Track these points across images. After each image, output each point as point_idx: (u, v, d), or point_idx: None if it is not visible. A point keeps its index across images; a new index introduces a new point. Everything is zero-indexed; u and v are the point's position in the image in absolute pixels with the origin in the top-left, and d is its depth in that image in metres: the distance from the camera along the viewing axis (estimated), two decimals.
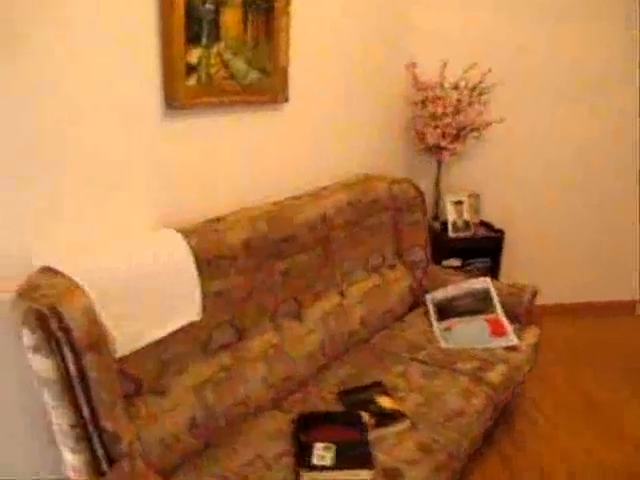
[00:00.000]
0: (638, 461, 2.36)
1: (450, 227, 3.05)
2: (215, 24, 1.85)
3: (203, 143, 1.99)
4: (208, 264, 1.77)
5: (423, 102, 2.91)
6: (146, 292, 1.60)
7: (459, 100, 2.84)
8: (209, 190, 2.06)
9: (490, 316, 2.51)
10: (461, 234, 3.06)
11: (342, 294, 2.37)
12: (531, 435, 2.47)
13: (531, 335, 2.44)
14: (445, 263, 3.04)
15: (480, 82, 2.85)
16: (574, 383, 2.89)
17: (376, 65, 2.80)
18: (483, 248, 3.14)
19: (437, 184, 3.10)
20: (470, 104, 2.87)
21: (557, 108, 3.25)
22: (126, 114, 1.72)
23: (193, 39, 1.79)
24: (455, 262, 3.10)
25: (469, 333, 2.43)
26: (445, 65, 2.86)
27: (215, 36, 1.86)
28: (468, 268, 3.12)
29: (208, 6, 1.81)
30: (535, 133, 3.26)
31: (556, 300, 3.53)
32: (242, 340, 1.92)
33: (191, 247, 1.73)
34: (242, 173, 2.19)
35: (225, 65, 1.92)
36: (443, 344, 2.36)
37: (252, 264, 1.93)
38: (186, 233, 1.75)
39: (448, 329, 2.48)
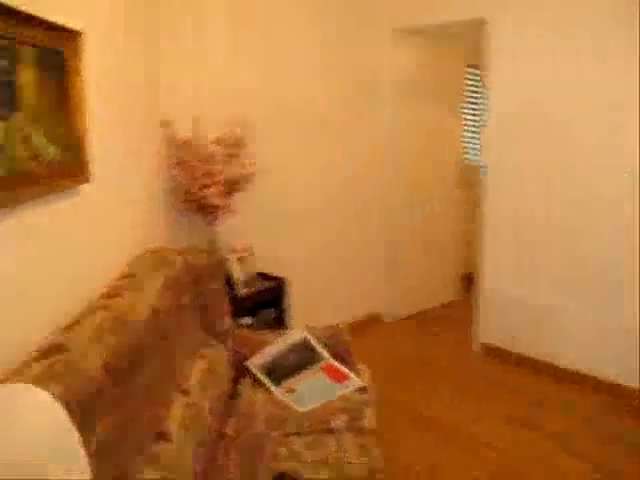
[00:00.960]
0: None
1: (238, 285, 2.92)
2: (10, 87, 1.35)
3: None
4: (82, 412, 1.28)
5: (185, 162, 2.71)
6: None
7: (230, 155, 2.75)
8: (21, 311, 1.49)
9: (322, 364, 2.50)
10: (249, 290, 2.97)
11: (185, 392, 2.02)
12: None
13: (364, 369, 2.53)
14: (240, 322, 2.90)
15: (243, 134, 2.82)
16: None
17: (137, 128, 2.49)
18: (267, 300, 3.11)
19: (212, 244, 2.93)
20: (234, 157, 2.81)
21: (313, 153, 3.53)
22: None
23: None
24: (247, 320, 2.99)
25: (314, 389, 2.36)
26: (197, 121, 2.74)
27: (13, 104, 1.36)
28: (259, 323, 3.06)
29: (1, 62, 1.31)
30: (295, 179, 3.45)
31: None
32: None
33: (57, 397, 1.22)
34: (54, 280, 1.65)
35: (26, 141, 1.42)
36: (300, 408, 2.24)
37: (119, 391, 1.48)
38: (39, 380, 1.23)
39: (291, 391, 2.36)
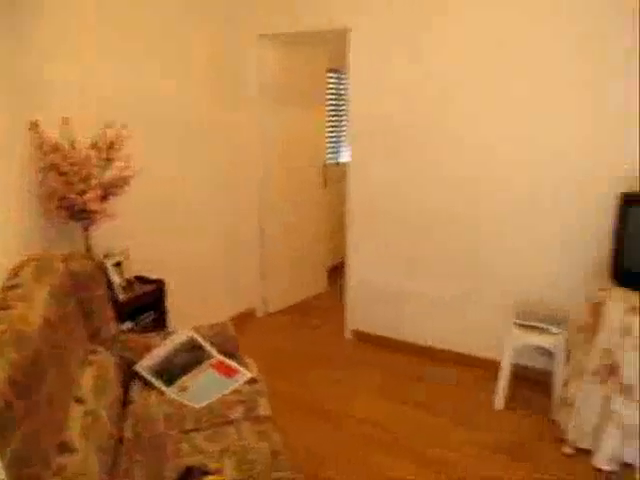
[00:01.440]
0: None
1: (118, 290, 2.88)
2: None
3: None
4: None
5: (57, 167, 2.62)
6: None
7: (105, 158, 2.70)
8: None
9: (211, 361, 2.58)
10: (129, 295, 2.93)
11: (80, 401, 1.99)
12: None
13: (252, 363, 2.65)
14: (122, 328, 2.87)
15: (117, 137, 2.78)
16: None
17: (3, 131, 2.36)
18: (148, 303, 3.09)
19: (88, 249, 2.85)
20: (110, 160, 2.77)
21: (185, 154, 3.55)
22: None
23: None
24: (128, 325, 2.96)
25: (206, 385, 2.44)
26: (67, 123, 2.66)
27: None
28: (139, 327, 3.04)
29: None
30: (170, 180, 3.45)
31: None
32: None
33: None
34: None
35: None
36: (196, 405, 2.31)
37: (24, 404, 1.46)
38: None
39: (184, 390, 2.42)
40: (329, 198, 5.03)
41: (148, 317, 3.11)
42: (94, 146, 2.72)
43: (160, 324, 3.15)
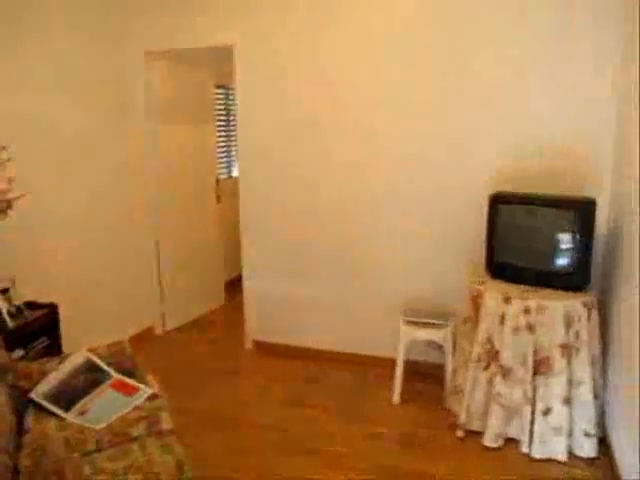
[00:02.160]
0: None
1: (7, 318, 2.79)
2: None
3: None
4: None
5: None
6: None
7: None
8: None
9: (111, 381, 2.59)
10: (19, 322, 2.85)
11: None
12: None
13: (152, 379, 2.68)
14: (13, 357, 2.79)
15: None
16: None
17: None
18: (39, 328, 3.02)
19: None
20: None
21: (70, 173, 3.51)
22: None
23: None
24: (19, 352, 2.87)
25: (106, 406, 2.45)
26: None
27: None
28: (32, 354, 2.96)
29: None
30: (56, 200, 3.38)
31: None
32: None
33: None
34: None
35: None
36: (97, 426, 2.31)
37: None
38: None
39: (83, 413, 2.41)
40: (224, 212, 5.11)
41: (41, 344, 3.03)
42: None
43: (55, 350, 3.08)
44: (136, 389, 2.57)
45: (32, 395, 2.46)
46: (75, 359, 2.63)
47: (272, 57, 3.74)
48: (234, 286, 5.37)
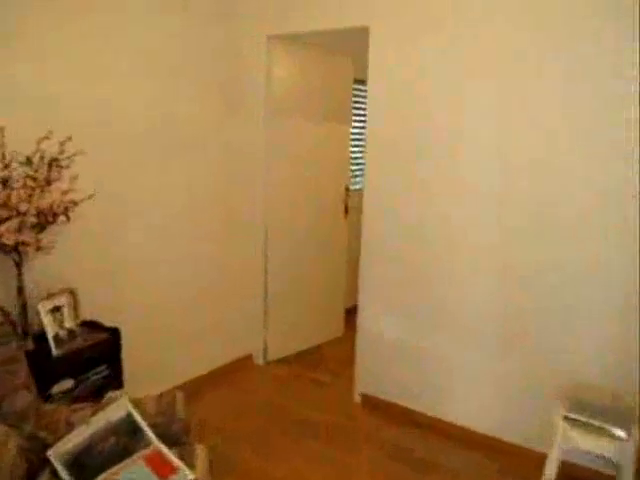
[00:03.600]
0: None
1: (52, 343, 2.31)
2: None
3: None
4: None
5: None
6: None
7: (35, 179, 2.15)
8: None
9: (146, 452, 1.95)
10: (67, 348, 2.36)
11: None
12: None
13: (201, 458, 2.02)
14: (55, 389, 2.30)
15: (60, 153, 2.23)
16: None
17: None
18: (96, 357, 2.51)
19: (20, 291, 2.30)
20: (49, 182, 2.22)
21: (167, 177, 3.00)
22: None
23: None
24: (67, 384, 2.38)
25: None
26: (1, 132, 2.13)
27: None
28: (84, 386, 2.46)
29: None
30: (135, 205, 2.88)
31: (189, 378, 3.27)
32: None
33: None
34: None
35: None
36: None
37: None
38: None
39: None
40: (352, 227, 4.35)
41: (97, 374, 2.53)
42: (29, 162, 2.18)
43: (114, 382, 2.56)
44: (173, 470, 1.90)
45: (49, 454, 1.91)
46: (113, 412, 2.04)
47: (412, 42, 2.90)
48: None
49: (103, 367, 2.55)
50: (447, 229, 2.94)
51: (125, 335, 2.59)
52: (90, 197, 2.40)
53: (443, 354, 3.04)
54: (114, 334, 2.54)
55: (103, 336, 2.52)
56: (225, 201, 3.48)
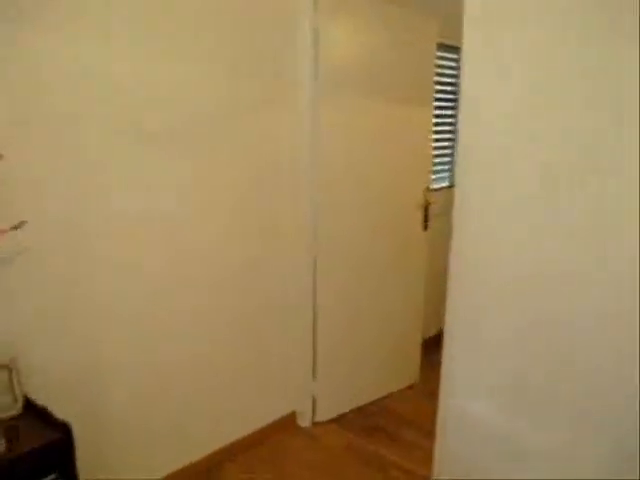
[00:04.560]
0: None
1: None
2: None
3: None
4: None
5: None
6: None
7: None
8: None
9: None
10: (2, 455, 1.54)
11: None
12: None
13: None
14: None
15: None
16: None
17: None
18: (42, 465, 1.68)
19: None
20: None
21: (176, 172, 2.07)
22: None
23: None
24: None
25: None
26: None
27: None
28: None
29: None
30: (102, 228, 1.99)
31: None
32: None
33: None
34: None
35: None
36: None
37: None
38: None
39: None
40: (433, 241, 3.31)
41: None
42: None
43: None
44: None
45: None
46: None
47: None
48: (436, 346, 3.57)
49: (52, 476, 1.72)
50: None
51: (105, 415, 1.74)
52: (17, 227, 1.56)
53: (549, 448, 1.97)
54: (65, 432, 1.69)
55: (54, 436, 1.68)
56: (257, 214, 2.56)
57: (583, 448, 1.94)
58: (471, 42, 2.01)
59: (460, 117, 2.10)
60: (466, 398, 2.25)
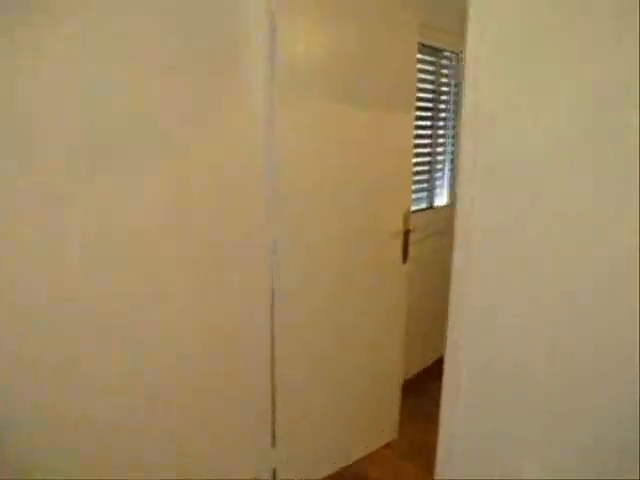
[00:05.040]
0: None
1: None
2: None
3: None
4: None
5: None
6: None
7: None
8: None
9: None
10: None
11: None
12: None
13: None
14: None
15: None
16: None
17: None
18: None
19: None
20: None
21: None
22: None
23: None
24: None
25: None
26: None
27: None
28: None
29: None
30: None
31: None
32: None
33: None
34: None
35: None
36: None
37: None
38: None
39: None
40: (411, 275, 2.83)
41: None
42: None
43: None
44: None
45: None
46: None
47: None
48: (417, 390, 3.10)
49: None
50: None
51: None
52: None
53: None
54: None
55: None
56: (209, 243, 2.04)
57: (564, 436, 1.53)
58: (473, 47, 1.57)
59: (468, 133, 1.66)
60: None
